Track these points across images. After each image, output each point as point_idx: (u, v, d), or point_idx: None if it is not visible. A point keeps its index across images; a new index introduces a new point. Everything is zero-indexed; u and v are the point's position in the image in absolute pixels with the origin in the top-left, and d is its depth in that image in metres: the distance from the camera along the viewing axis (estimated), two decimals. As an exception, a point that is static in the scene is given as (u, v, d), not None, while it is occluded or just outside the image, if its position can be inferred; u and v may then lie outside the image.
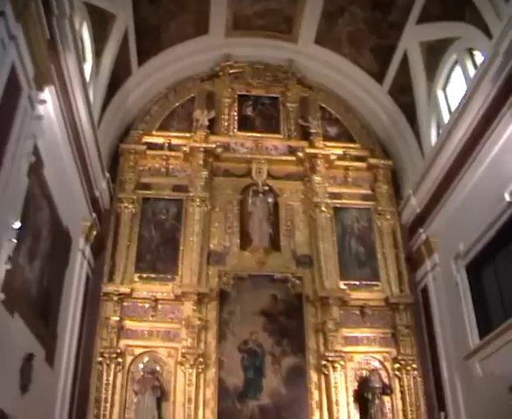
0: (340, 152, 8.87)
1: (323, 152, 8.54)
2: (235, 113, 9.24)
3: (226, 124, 9.04)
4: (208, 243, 7.82)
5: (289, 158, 8.68)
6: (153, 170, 8.39)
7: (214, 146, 8.40)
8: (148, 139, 8.63)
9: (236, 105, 9.32)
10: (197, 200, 7.96)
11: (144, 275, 7.49)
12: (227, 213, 8.17)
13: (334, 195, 8.43)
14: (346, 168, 8.73)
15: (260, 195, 8.22)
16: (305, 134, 9.01)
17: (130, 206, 7.93)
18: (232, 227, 8.05)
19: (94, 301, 7.22)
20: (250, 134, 8.96)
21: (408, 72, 8.10)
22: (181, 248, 7.71)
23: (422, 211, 8.01)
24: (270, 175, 8.51)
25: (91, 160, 7.17)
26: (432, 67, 7.74)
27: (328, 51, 9.13)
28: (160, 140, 8.63)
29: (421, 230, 7.88)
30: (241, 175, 8.51)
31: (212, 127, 8.86)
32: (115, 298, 7.14)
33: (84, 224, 7.15)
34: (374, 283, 7.82)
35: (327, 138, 9.09)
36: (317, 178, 8.36)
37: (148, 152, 8.42)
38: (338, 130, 9.35)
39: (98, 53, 7.21)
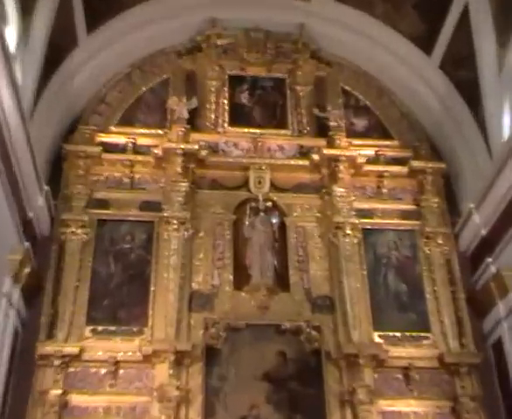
0: (371, 152, 9.52)
1: (347, 153, 9.14)
2: (225, 102, 9.94)
3: (213, 116, 9.70)
4: (190, 280, 8.31)
5: (300, 162, 9.29)
6: (112, 181, 8.98)
7: (197, 147, 8.96)
8: (103, 137, 9.24)
9: (226, 89, 10.01)
10: (175, 222, 8.48)
11: (100, 328, 7.86)
12: (216, 239, 8.72)
13: (362, 213, 9.02)
14: (380, 175, 9.35)
15: (261, 213, 8.76)
16: (322, 129, 9.68)
17: (80, 231, 8.40)
18: (223, 258, 8.57)
19: (25, 367, 7.35)
20: (246, 130, 9.60)
21: (469, 35, 8.59)
22: (152, 288, 8.16)
23: (490, 233, 8.47)
24: (274, 187, 9.12)
25: (20, 167, 7.29)
26: (504, 27, 8.06)
27: (353, 10, 9.94)
28: (121, 140, 9.24)
29: (489, 260, 8.33)
30: (235, 186, 9.11)
31: (194, 120, 9.47)
32: (57, 363, 7.36)
33: (11, 258, 7.19)
34: (422, 334, 8.26)
35: (352, 134, 9.80)
36: (339, 189, 8.94)
37: (105, 156, 8.99)
38: (368, 122, 10.11)
39: (27, 12, 7.34)
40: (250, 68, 10.31)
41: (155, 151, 8.95)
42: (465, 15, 8.53)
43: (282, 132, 9.82)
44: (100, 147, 8.99)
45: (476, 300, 8.47)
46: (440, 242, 8.88)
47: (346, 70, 10.51)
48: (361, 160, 9.22)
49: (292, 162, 9.33)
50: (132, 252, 8.48)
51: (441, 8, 8.87)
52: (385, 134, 10.05)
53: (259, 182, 9.14)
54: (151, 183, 9.09)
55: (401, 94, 10.29)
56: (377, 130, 10.11)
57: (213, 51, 10.20)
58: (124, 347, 7.69)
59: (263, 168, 9.12)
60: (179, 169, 8.82)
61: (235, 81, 10.20)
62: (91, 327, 7.86)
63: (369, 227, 8.99)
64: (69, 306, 7.83)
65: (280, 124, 9.92)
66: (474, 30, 8.46)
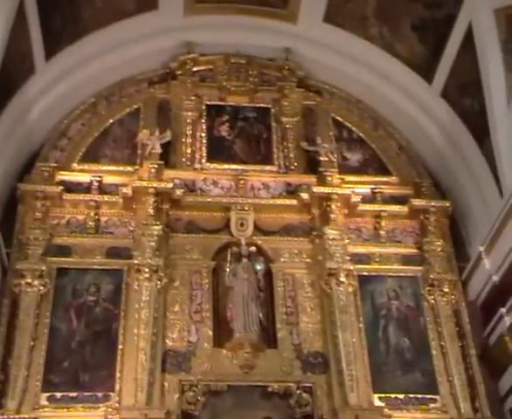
0: (366, 190, 9.76)
1: (340, 191, 9.35)
2: (203, 135, 10.20)
3: (190, 151, 9.96)
4: (163, 337, 8.31)
5: (288, 202, 9.52)
6: (74, 225, 9.13)
7: (171, 185, 9.15)
8: (65, 175, 9.44)
9: (204, 121, 10.30)
10: (146, 270, 8.54)
11: (58, 394, 7.77)
12: (193, 289, 8.83)
13: (358, 258, 9.17)
14: (377, 216, 9.57)
15: (244, 259, 8.88)
16: (311, 165, 9.93)
17: (36, 282, 8.39)
18: (202, 311, 8.65)
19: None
20: (226, 167, 9.87)
21: (474, 59, 8.73)
22: (120, 347, 8.13)
23: (502, 280, 8.60)
24: (259, 229, 9.32)
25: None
26: (514, 50, 8.20)
27: (344, 32, 10.29)
28: (85, 178, 9.43)
29: (503, 311, 8.49)
30: (214, 229, 9.28)
31: (168, 156, 9.73)
32: (8, 437, 7.17)
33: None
34: (429, 397, 8.28)
35: (345, 169, 10.07)
36: (332, 232, 9.08)
37: (67, 196, 9.16)
38: (363, 157, 10.42)
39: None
40: (230, 97, 10.59)
41: (124, 190, 9.10)
42: (469, 36, 8.73)
43: (267, 168, 10.02)
44: (61, 187, 9.13)
45: (490, 357, 8.57)
46: (447, 290, 9.02)
47: (337, 99, 10.83)
48: (355, 198, 9.43)
49: (278, 202, 9.55)
50: (97, 305, 8.53)
51: (443, 29, 9.12)
52: (382, 170, 10.31)
53: (242, 225, 9.28)
54: (119, 227, 9.20)
55: (399, 125, 10.61)
56: (373, 165, 10.37)
57: (189, 78, 10.48)
58: (87, 416, 7.68)
59: (246, 208, 9.33)
60: (151, 211, 8.97)
61: (214, 112, 10.47)
62: (48, 394, 7.80)
63: (365, 274, 9.13)
64: (22, 370, 7.77)
65: (265, 159, 10.16)
66: (480, 54, 8.62)
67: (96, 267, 8.79)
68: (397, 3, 9.40)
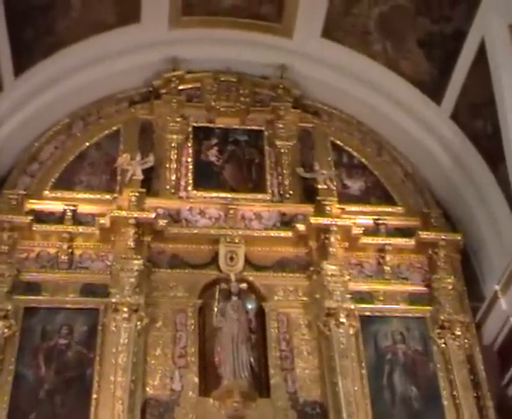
0: (369, 221, 9.79)
1: (340, 222, 9.37)
2: (189, 160, 10.23)
3: (174, 178, 9.96)
4: (143, 384, 8.23)
5: (282, 234, 9.52)
6: (45, 259, 9.06)
7: (154, 215, 9.13)
8: (35, 204, 9.38)
9: (190, 145, 10.36)
10: (125, 309, 8.46)
11: None
12: (177, 331, 8.76)
13: (360, 296, 9.18)
14: (381, 249, 9.59)
15: (234, 298, 8.84)
16: (308, 193, 9.97)
17: (0, 324, 8.31)
18: (186, 355, 8.56)
19: None
20: (215, 195, 9.89)
21: (487, 78, 8.75)
22: (94, 396, 8.01)
23: None
24: (250, 264, 9.32)
25: None
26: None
27: (344, 48, 10.34)
28: (58, 207, 9.40)
29: None
30: (201, 264, 9.27)
31: (151, 182, 9.78)
32: None
33: None
34: None
35: (346, 198, 10.08)
36: (331, 267, 9.06)
37: (37, 227, 9.09)
38: (365, 184, 10.43)
39: None
40: (219, 119, 10.63)
41: (102, 221, 9.06)
42: (481, 53, 8.74)
43: (260, 196, 10.03)
44: (31, 217, 9.07)
45: (509, 409, 8.52)
46: (459, 333, 8.95)
47: (337, 120, 10.89)
48: (357, 230, 9.43)
49: (272, 234, 9.54)
50: (69, 349, 8.41)
51: (452, 45, 9.17)
52: (386, 199, 10.32)
53: (232, 259, 9.25)
54: (95, 261, 9.14)
55: (405, 150, 10.63)
56: (377, 194, 10.39)
57: (174, 97, 10.51)
58: None
59: (236, 240, 9.30)
60: (131, 243, 8.94)
61: (201, 134, 10.49)
62: (13, 450, 7.69)
63: (368, 314, 9.10)
64: (-18, 423, 7.63)
65: (257, 187, 10.16)
66: (493, 71, 8.63)
67: (69, 306, 8.70)
68: (402, 17, 9.45)
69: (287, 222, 9.70)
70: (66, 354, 8.37)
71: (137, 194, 9.31)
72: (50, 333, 8.49)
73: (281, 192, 10.12)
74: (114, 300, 8.53)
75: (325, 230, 9.30)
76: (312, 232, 9.38)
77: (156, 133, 10.37)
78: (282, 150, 10.43)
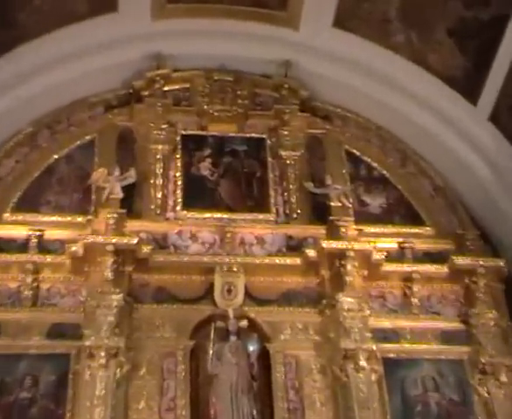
0: (392, 245, 9.76)
1: (358, 246, 9.27)
2: (178, 174, 10.17)
3: (160, 196, 9.93)
4: None
5: (289, 261, 9.45)
6: (5, 294, 8.95)
7: (135, 241, 9.04)
8: (-8, 229, 9.30)
9: (179, 156, 10.30)
10: (102, 354, 8.31)
11: None
12: (165, 379, 8.63)
13: (384, 335, 9.08)
14: (407, 278, 9.52)
15: (233, 338, 8.74)
16: (319, 212, 9.93)
17: None
18: (175, 408, 8.45)
19: None
20: (209, 216, 9.84)
21: None
22: None
23: None
24: (251, 297, 9.25)
25: None
26: None
27: (360, 40, 10.28)
28: (20, 233, 9.30)
29: None
30: (193, 298, 9.18)
31: (132, 202, 9.74)
32: None
33: None
34: None
35: (364, 217, 10.05)
36: (347, 300, 8.96)
37: None
38: (387, 200, 10.36)
39: None
40: (213, 125, 10.56)
41: (73, 248, 8.93)
42: None
43: (261, 217, 9.96)
44: (-12, 244, 9.06)
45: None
46: (504, 379, 8.81)
47: (352, 126, 10.85)
48: (378, 256, 9.36)
49: (277, 261, 9.45)
50: (33, 405, 8.22)
51: (490, 34, 9.14)
52: (413, 218, 10.26)
53: (229, 291, 9.13)
54: (66, 297, 9.02)
55: (434, 159, 10.58)
56: (401, 212, 10.32)
57: (159, 100, 10.46)
58: None
59: (234, 269, 9.22)
60: (109, 274, 8.81)
61: (192, 144, 10.41)
62: None
63: (393, 356, 9.00)
64: None
65: (259, 205, 10.07)
66: None
67: (33, 352, 8.51)
68: (429, 2, 9.43)
69: (294, 246, 9.63)
70: (30, 411, 8.17)
71: (116, 215, 9.20)
72: (9, 386, 8.29)
73: (287, 211, 10.04)
74: (88, 343, 8.35)
75: (340, 255, 9.17)
76: (324, 259, 9.28)
77: (138, 143, 10.31)
78: (288, 161, 10.36)
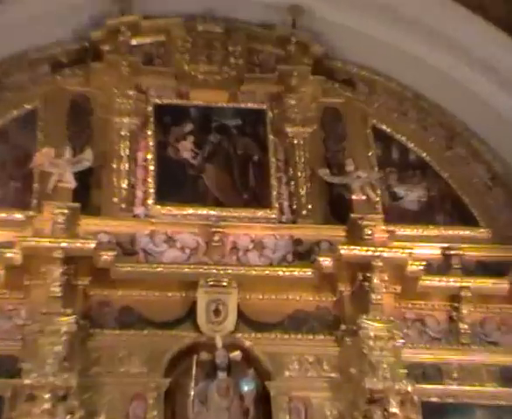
0: (434, 252, 9.77)
1: (388, 254, 9.29)
2: (149, 157, 10.21)
3: (126, 185, 9.99)
4: None
5: (297, 272, 9.50)
6: None
7: (93, 245, 9.03)
8: None
9: (151, 133, 10.33)
10: (46, 396, 8.20)
11: None
12: None
13: (422, 372, 9.13)
14: (453, 297, 9.56)
15: (222, 374, 8.76)
16: (337, 208, 9.99)
17: None
18: None
19: None
20: (191, 212, 9.90)
21: None
22: None
23: None
24: (246, 320, 9.29)
25: None
26: None
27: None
28: None
29: None
30: (169, 321, 9.22)
31: (88, 193, 9.81)
32: None
33: None
34: None
35: (397, 216, 10.11)
36: (374, 325, 8.94)
37: None
38: (427, 193, 10.40)
39: None
40: (197, 92, 10.60)
41: (9, 255, 8.91)
42: None
43: (260, 214, 10.01)
44: None
45: None
46: None
47: (382, 93, 10.90)
48: (415, 266, 9.34)
49: (280, 273, 9.46)
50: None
51: None
52: (462, 216, 10.32)
53: (217, 312, 9.16)
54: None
55: (493, 139, 10.60)
56: (446, 208, 10.37)
57: (124, 58, 10.41)
58: None
59: (224, 283, 9.25)
60: (57, 289, 8.72)
61: (168, 118, 10.44)
62: None
63: (435, 400, 9.02)
64: None
65: (257, 199, 10.13)
66: None
67: None
68: None
69: (303, 254, 9.66)
70: None
71: (66, 211, 9.13)
72: None
73: (295, 207, 10.06)
74: (27, 382, 8.24)
75: (364, 265, 9.17)
76: (343, 270, 9.29)
77: (96, 114, 10.33)
78: (296, 141, 10.38)
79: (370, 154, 10.44)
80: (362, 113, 10.69)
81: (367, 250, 9.13)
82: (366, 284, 9.06)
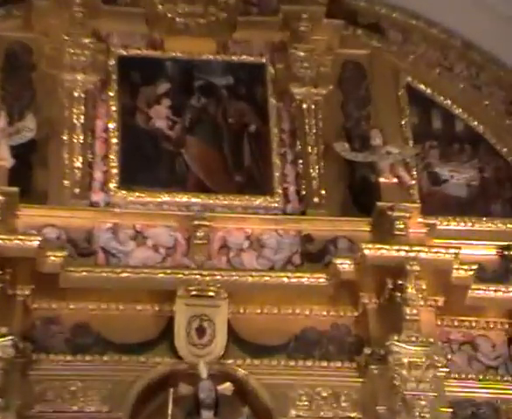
0: (488, 252, 9.81)
1: (427, 255, 9.42)
2: (112, 126, 10.27)
3: (81, 164, 9.98)
4: None
5: (306, 279, 9.56)
6: None
7: (36, 243, 9.08)
8: None
9: (113, 95, 10.37)
10: None
11: None
12: None
13: (473, 411, 9.07)
14: None
15: (207, 413, 8.81)
16: (359, 194, 10.03)
17: None
18: None
19: None
20: (166, 200, 9.94)
21: None
22: None
23: None
24: (239, 342, 9.36)
25: None
26: None
27: None
28: None
29: None
30: (138, 342, 9.26)
31: (31, 175, 9.82)
32: None
33: None
34: None
35: (438, 204, 10.11)
36: (407, 348, 8.92)
37: None
38: (480, 174, 10.37)
39: None
40: (175, 40, 10.70)
41: None
42: None
43: (258, 202, 10.11)
44: None
45: None
46: None
47: (419, 42, 10.94)
48: (462, 272, 9.37)
49: (285, 279, 9.52)
50: None
51: None
52: None
53: (202, 331, 9.21)
54: None
55: None
56: (505, 195, 10.36)
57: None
58: None
59: (211, 293, 9.29)
60: None
61: (137, 75, 10.51)
62: None
63: None
64: None
65: (255, 183, 10.23)
66: None
67: None
68: None
69: (314, 254, 9.75)
70: None
71: (0, 197, 9.12)
72: None
73: (303, 193, 10.10)
74: None
75: (395, 270, 9.19)
76: (368, 276, 9.28)
77: (41, 69, 10.34)
78: (305, 105, 10.41)
79: (403, 122, 10.49)
80: (393, 68, 10.73)
81: (399, 250, 9.16)
82: (398, 294, 9.07)
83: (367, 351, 9.03)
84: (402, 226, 9.33)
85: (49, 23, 10.33)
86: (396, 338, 8.78)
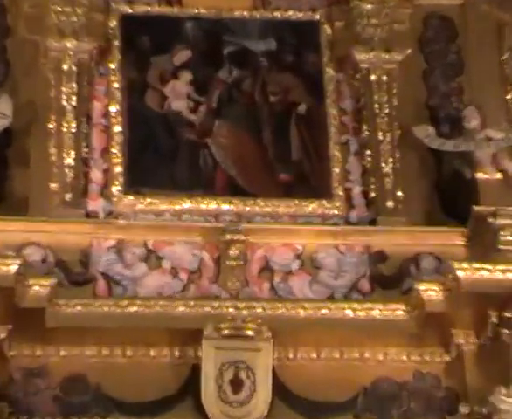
0: None
1: None
2: (115, 110, 10.09)
3: (73, 162, 9.81)
4: None
5: (379, 312, 9.36)
6: None
7: (14, 268, 8.79)
8: None
9: (116, 67, 10.17)
10: None
11: None
12: None
13: None
14: None
15: None
16: (450, 196, 9.70)
17: None
18: None
19: None
20: (188, 206, 9.69)
21: None
22: None
23: None
24: (287, 397, 9.18)
25: None
26: None
27: None
28: None
29: None
30: (153, 400, 9.12)
31: (7, 176, 9.64)
32: None
33: None
34: None
35: None
36: None
37: None
38: None
39: None
40: None
41: None
42: None
43: (312, 208, 9.78)
44: None
45: None
46: None
47: None
48: None
49: (349, 312, 9.17)
50: None
51: None
52: None
53: (237, 383, 8.87)
54: None
55: None
56: None
57: None
58: None
59: (249, 331, 8.93)
60: None
61: (146, 39, 10.31)
62: None
63: None
64: None
65: (306, 183, 9.94)
66: None
67: None
68: None
69: (388, 277, 9.50)
70: None
71: None
72: None
73: (373, 195, 9.81)
74: None
75: (501, 299, 8.85)
76: (463, 307, 8.96)
77: (19, 35, 10.16)
78: (373, 77, 10.17)
79: (508, 97, 10.16)
80: (494, 23, 10.40)
81: (505, 271, 8.76)
82: (505, 331, 8.68)
83: (464, 409, 8.74)
84: (509, 238, 8.95)
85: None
86: (503, 391, 8.45)
